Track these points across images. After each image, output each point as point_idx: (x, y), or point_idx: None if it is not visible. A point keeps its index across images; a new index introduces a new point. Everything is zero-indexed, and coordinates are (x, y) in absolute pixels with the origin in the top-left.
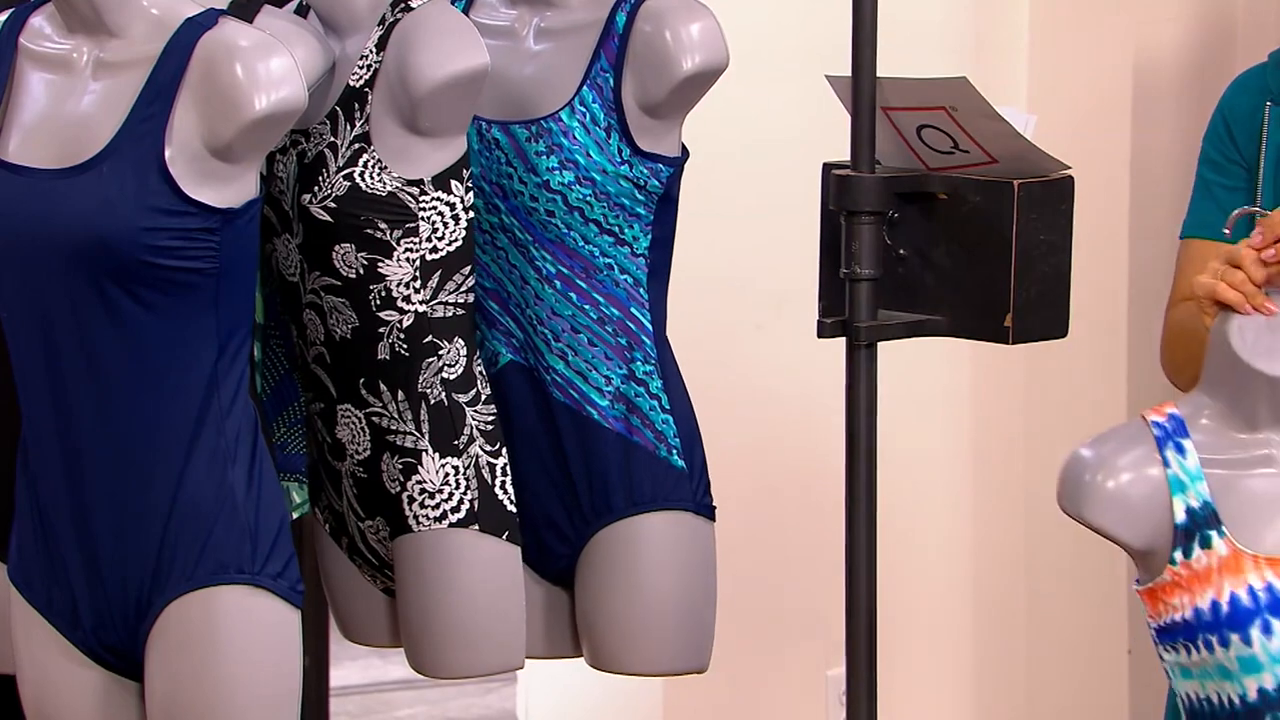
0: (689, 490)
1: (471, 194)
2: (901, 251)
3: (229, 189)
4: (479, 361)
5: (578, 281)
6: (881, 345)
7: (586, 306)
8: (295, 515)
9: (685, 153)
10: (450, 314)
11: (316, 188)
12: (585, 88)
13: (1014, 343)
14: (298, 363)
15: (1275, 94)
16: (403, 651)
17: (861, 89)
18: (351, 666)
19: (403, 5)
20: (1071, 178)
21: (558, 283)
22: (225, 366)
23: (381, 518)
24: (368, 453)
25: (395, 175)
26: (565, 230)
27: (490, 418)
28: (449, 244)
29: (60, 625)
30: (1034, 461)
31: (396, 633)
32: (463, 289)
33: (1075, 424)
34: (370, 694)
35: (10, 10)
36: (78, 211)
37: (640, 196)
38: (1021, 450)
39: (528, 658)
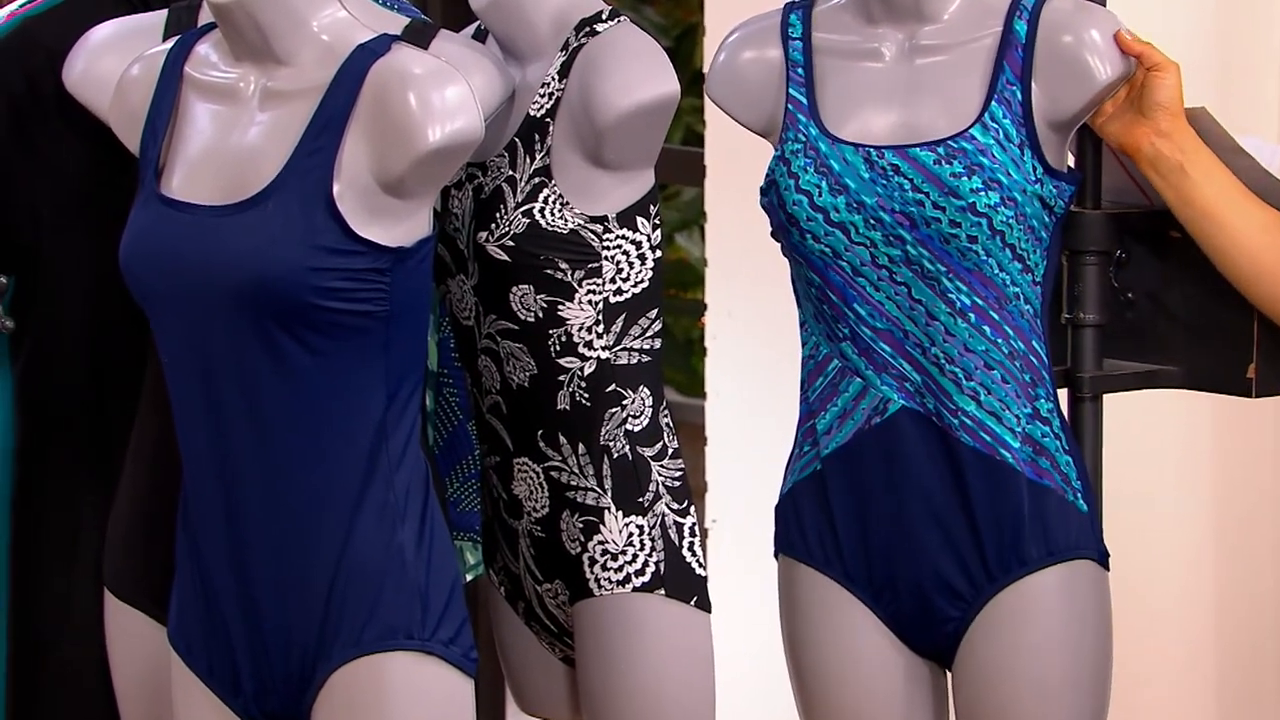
0: (1092, 537)
1: (659, 232)
2: (1130, 295)
3: (400, 226)
4: (665, 412)
5: (991, 313)
6: (1109, 398)
7: (999, 340)
8: (469, 577)
9: (1075, 173)
10: (635, 361)
11: (493, 225)
12: (994, 102)
13: (1258, 396)
14: (473, 413)
15: None
16: None
17: (1085, 123)
18: None
19: (588, 29)
20: None
21: (972, 315)
22: (395, 416)
23: (560, 580)
24: (546, 510)
25: (577, 211)
26: (984, 257)
27: (678, 473)
28: (634, 285)
29: (221, 691)
30: None
31: (576, 704)
32: (649, 334)
33: None
34: None
35: (177, 37)
36: (241, 250)
37: (1046, 219)
38: (1271, 516)
39: None
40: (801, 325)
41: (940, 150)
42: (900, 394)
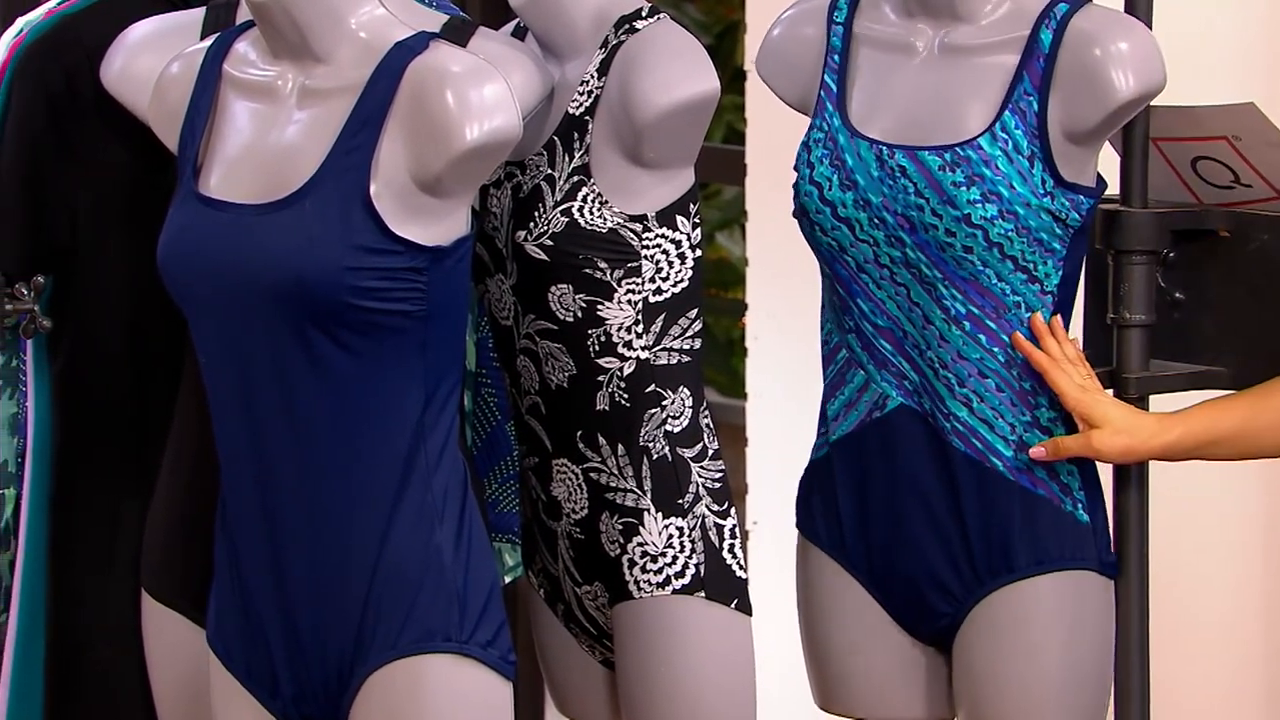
0: (1093, 547)
1: (700, 231)
2: (1177, 295)
3: (438, 226)
4: (705, 413)
5: (987, 322)
6: (1154, 399)
7: (995, 349)
8: (507, 579)
9: (1103, 183)
10: (675, 361)
11: (532, 224)
12: (1007, 112)
13: None
14: (511, 413)
15: None
16: None
17: (1133, 118)
18: None
19: (627, 26)
20: None
21: (967, 324)
22: (433, 417)
23: (600, 583)
24: (585, 511)
25: (616, 210)
26: (980, 267)
27: (719, 475)
28: (674, 285)
29: (259, 694)
30: None
31: (616, 707)
32: (689, 334)
33: None
34: None
35: (216, 35)
36: (279, 250)
37: (1058, 231)
38: None
39: None
40: (822, 309)
41: (946, 156)
42: (899, 391)
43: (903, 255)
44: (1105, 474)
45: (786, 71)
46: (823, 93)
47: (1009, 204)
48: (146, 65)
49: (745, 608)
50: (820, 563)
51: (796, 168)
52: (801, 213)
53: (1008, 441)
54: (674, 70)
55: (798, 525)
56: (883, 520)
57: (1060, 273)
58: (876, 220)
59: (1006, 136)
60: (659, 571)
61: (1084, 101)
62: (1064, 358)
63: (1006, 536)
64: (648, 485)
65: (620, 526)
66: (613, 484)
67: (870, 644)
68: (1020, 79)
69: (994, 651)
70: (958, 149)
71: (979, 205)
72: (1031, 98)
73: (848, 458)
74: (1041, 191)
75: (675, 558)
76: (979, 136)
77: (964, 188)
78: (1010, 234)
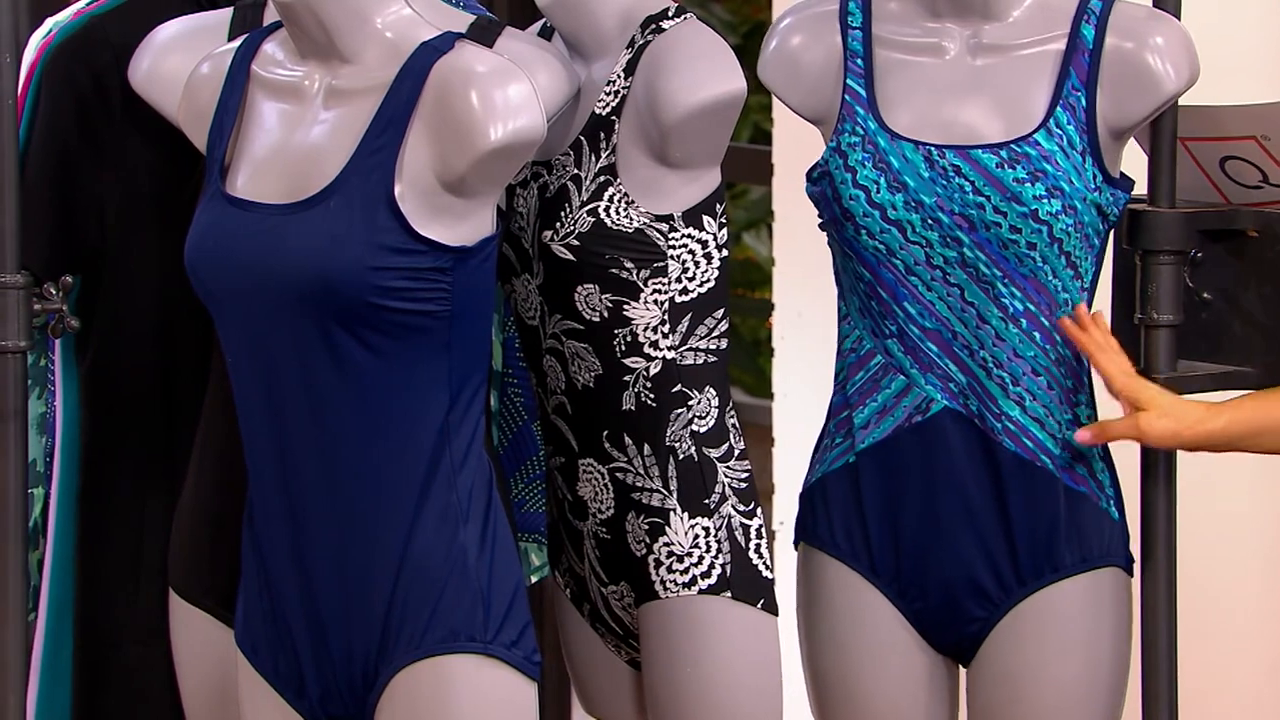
0: (1121, 544)
1: (725, 230)
2: (1205, 295)
3: (463, 226)
4: (731, 413)
5: (1041, 319)
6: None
7: (1047, 346)
8: (533, 579)
9: (1129, 180)
10: (701, 361)
11: (558, 224)
12: (1059, 108)
13: None
14: (538, 413)
15: None
16: None
17: (1161, 118)
18: None
19: (654, 26)
20: None
21: (1024, 321)
22: (458, 417)
23: (626, 583)
24: (611, 511)
25: (643, 210)
26: (1040, 263)
27: (745, 475)
28: (700, 285)
29: (286, 693)
30: None
31: (642, 707)
32: (715, 333)
33: None
34: None
35: (244, 36)
36: (303, 250)
37: (1101, 227)
38: None
39: None
40: (843, 317)
41: (1003, 154)
42: (944, 394)
43: (959, 255)
44: (1129, 473)
45: (800, 80)
46: (848, 98)
47: (1069, 199)
48: (174, 66)
49: (771, 608)
50: (834, 573)
51: (828, 173)
52: (845, 217)
53: (1055, 439)
54: (700, 70)
55: (803, 539)
56: (917, 527)
57: (1095, 269)
58: (930, 221)
59: (1060, 132)
60: (685, 571)
61: (1132, 95)
62: (1109, 346)
63: (1052, 535)
64: (674, 485)
65: (646, 526)
66: (639, 484)
67: (884, 652)
68: (1067, 74)
69: (1031, 648)
70: (1013, 146)
71: (1045, 200)
72: (1079, 93)
73: (879, 465)
74: (1093, 186)
75: (701, 558)
76: (1035, 132)
77: (1028, 183)
78: (1070, 229)
